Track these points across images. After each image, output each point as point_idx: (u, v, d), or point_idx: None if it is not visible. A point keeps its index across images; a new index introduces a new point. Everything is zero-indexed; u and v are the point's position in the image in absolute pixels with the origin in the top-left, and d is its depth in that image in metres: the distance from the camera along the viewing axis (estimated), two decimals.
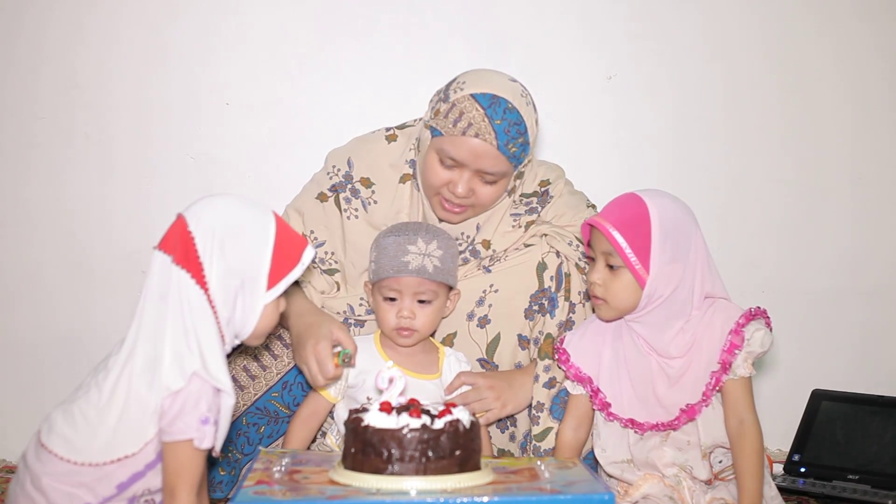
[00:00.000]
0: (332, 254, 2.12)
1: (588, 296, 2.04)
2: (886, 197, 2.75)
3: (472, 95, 1.94)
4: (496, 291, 2.05)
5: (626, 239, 1.76)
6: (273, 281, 1.53)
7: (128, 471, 1.47)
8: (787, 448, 2.37)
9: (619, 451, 1.87)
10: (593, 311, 1.90)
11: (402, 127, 2.16)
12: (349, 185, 2.11)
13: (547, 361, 2.00)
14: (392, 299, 1.93)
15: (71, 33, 2.60)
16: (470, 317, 2.06)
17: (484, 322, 2.05)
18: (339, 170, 2.13)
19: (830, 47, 2.73)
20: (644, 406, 1.84)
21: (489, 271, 2.07)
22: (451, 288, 1.98)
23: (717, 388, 1.79)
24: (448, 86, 2.00)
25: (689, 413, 1.80)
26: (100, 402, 1.46)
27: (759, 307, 1.82)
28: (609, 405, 1.86)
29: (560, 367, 1.93)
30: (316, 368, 1.85)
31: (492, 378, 2.01)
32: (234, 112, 2.64)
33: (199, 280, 1.48)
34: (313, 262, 1.59)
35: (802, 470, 2.28)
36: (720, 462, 1.83)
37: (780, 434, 2.51)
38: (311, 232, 2.12)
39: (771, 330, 1.82)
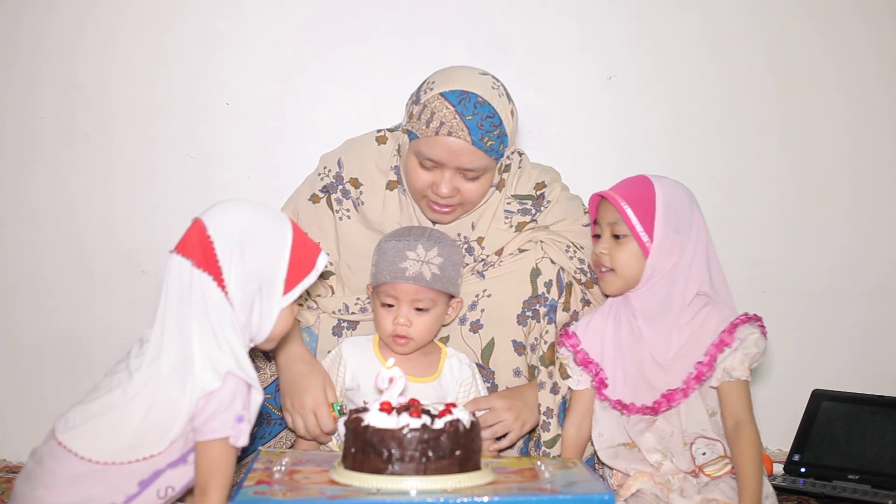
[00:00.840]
0: (327, 255, 2.11)
1: (588, 301, 2.05)
2: (885, 197, 2.75)
3: (441, 94, 1.92)
4: (489, 296, 2.04)
5: (632, 207, 1.84)
6: (289, 286, 1.55)
7: (150, 468, 1.48)
8: (787, 448, 2.37)
9: (616, 433, 1.90)
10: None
11: (393, 129, 2.14)
12: (340, 186, 2.10)
13: (550, 368, 1.99)
14: (389, 305, 1.92)
15: (72, 33, 2.60)
16: (462, 321, 2.04)
17: (476, 327, 2.04)
18: (329, 171, 2.12)
19: (829, 47, 2.73)
20: (633, 389, 1.87)
21: (483, 276, 2.06)
22: (452, 296, 1.96)
23: (699, 381, 1.82)
24: (419, 87, 1.99)
25: (669, 398, 1.83)
26: (124, 403, 1.47)
27: (755, 314, 1.86)
28: (605, 385, 1.90)
29: (567, 353, 1.94)
30: (314, 422, 1.90)
31: (507, 398, 1.98)
32: (235, 112, 2.64)
33: (219, 283, 1.49)
34: None
35: (802, 470, 2.28)
36: (703, 454, 1.85)
37: (780, 434, 2.51)
38: (305, 233, 2.11)
39: (766, 336, 1.84)
